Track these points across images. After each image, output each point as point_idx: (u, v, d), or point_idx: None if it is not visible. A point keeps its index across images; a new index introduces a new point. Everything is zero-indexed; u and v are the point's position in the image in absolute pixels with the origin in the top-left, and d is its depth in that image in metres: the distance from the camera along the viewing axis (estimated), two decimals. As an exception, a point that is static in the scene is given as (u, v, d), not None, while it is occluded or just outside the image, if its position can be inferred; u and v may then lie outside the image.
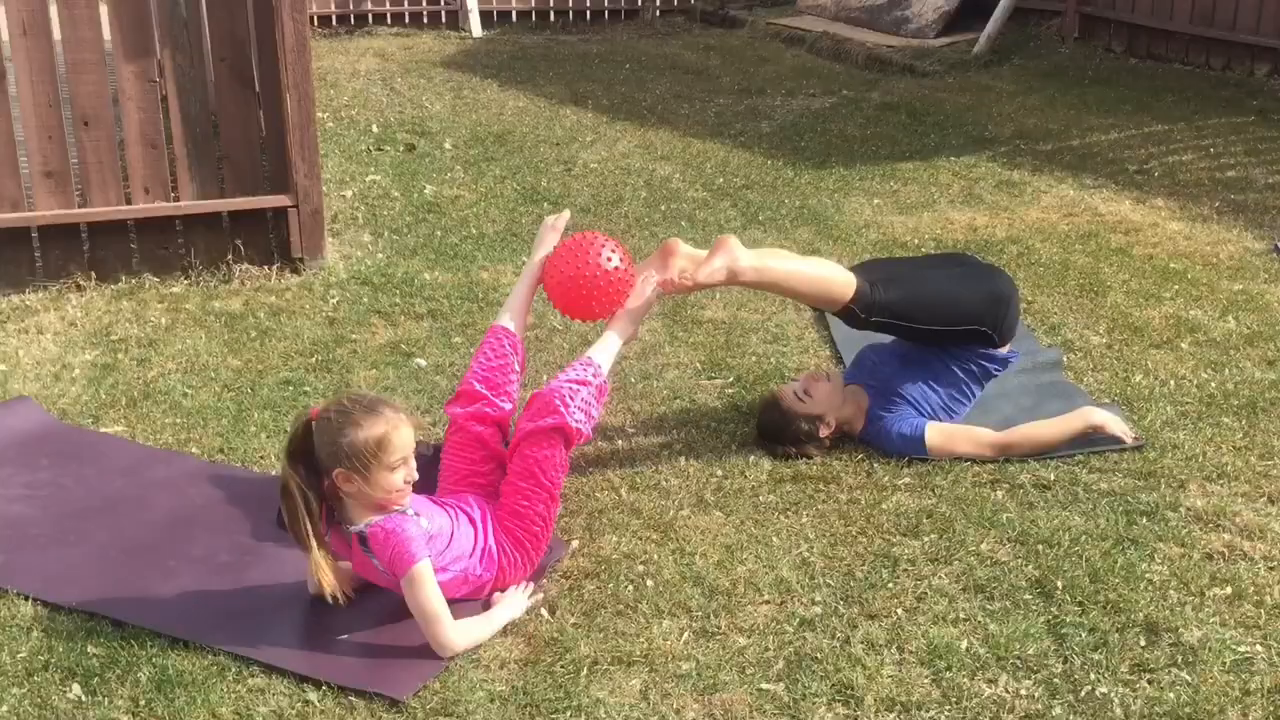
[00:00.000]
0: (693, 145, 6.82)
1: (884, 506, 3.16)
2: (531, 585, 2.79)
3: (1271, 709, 2.40)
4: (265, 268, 4.73)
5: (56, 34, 4.39)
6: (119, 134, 4.57)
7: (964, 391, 3.52)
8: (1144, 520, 3.07)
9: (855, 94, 7.97)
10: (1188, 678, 2.49)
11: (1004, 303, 3.42)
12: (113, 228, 4.59)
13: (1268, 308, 4.38)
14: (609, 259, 3.02)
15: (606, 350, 3.02)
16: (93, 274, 4.57)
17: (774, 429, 3.39)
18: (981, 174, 6.11)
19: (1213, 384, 3.80)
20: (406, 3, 10.05)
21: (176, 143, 4.60)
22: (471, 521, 2.76)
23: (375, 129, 6.97)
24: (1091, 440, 3.39)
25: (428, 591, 2.52)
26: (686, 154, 6.64)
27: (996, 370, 3.54)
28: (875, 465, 3.37)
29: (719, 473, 3.34)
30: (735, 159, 6.54)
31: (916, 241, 5.14)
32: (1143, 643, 2.62)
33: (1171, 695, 2.45)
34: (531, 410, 2.86)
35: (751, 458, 3.42)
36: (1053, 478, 3.27)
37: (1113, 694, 2.46)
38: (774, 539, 3.02)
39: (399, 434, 2.55)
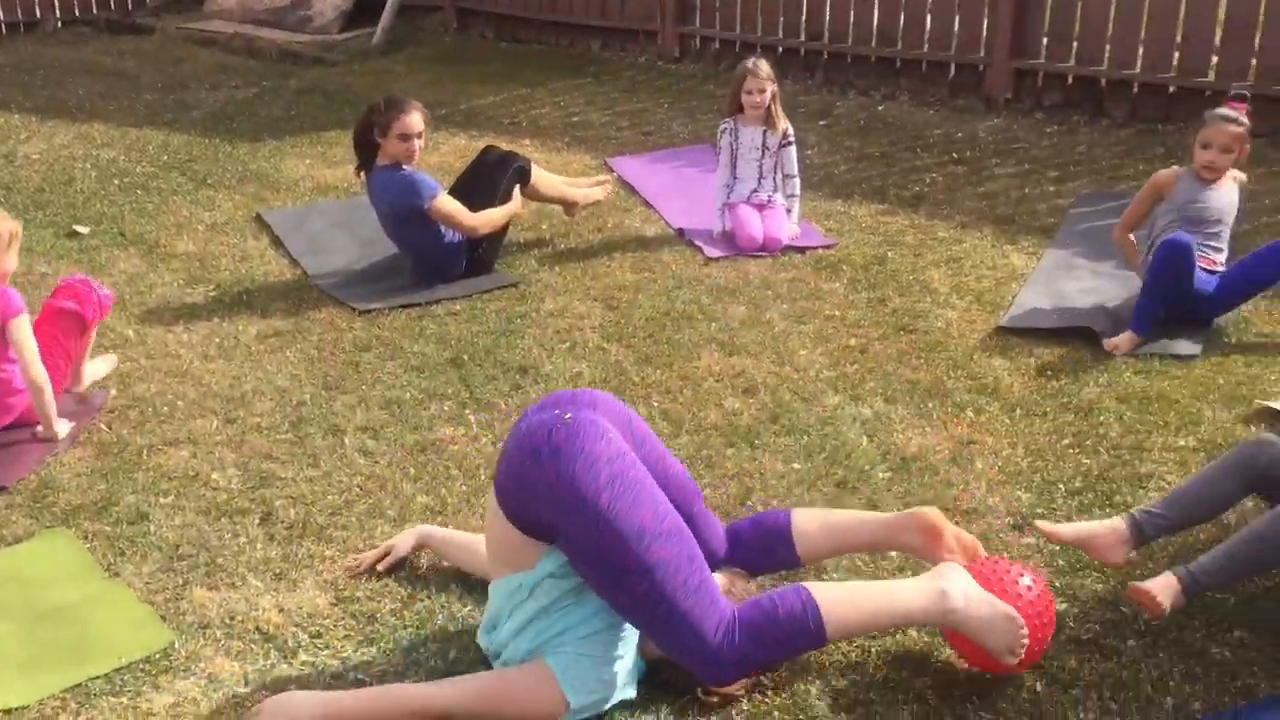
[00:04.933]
0: (130, 133, 7.56)
1: (344, 340, 4.43)
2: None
3: (573, 388, 4.00)
4: None
5: None
6: None
7: None
8: (518, 320, 4.61)
9: (274, 83, 9.06)
10: (550, 389, 4.01)
11: None
12: None
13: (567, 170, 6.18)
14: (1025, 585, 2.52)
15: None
16: None
17: None
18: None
19: (561, 244, 5.46)
20: None
21: None
22: None
23: None
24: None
25: None
26: (126, 140, 7.39)
27: None
28: (337, 319, 4.62)
29: (218, 336, 4.43)
30: (175, 140, 7.41)
31: (345, 185, 6.41)
32: (518, 377, 4.12)
33: (533, 396, 3.96)
34: None
35: (240, 323, 4.53)
36: (459, 307, 4.72)
37: (499, 400, 3.93)
38: (268, 366, 4.18)
39: None
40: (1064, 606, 2.78)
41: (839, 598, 2.46)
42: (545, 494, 2.38)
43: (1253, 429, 3.59)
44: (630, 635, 2.56)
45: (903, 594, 2.47)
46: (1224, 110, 4.36)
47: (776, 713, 2.50)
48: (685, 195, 6.10)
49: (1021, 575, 2.52)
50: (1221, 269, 4.34)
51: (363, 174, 5.02)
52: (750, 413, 3.83)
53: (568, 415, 2.46)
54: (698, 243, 5.42)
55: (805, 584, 2.49)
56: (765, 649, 2.43)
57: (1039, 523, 2.86)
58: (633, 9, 9.50)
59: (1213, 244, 4.37)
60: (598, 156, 6.94)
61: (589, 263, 5.21)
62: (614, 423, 2.53)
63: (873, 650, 2.67)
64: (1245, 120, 4.34)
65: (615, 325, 4.54)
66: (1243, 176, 4.52)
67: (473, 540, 2.99)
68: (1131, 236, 4.68)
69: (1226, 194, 4.42)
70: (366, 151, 4.92)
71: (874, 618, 2.47)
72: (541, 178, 5.32)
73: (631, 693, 2.54)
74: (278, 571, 3.06)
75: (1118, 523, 2.72)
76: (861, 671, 2.60)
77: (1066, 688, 2.53)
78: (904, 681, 2.56)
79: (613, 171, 6.53)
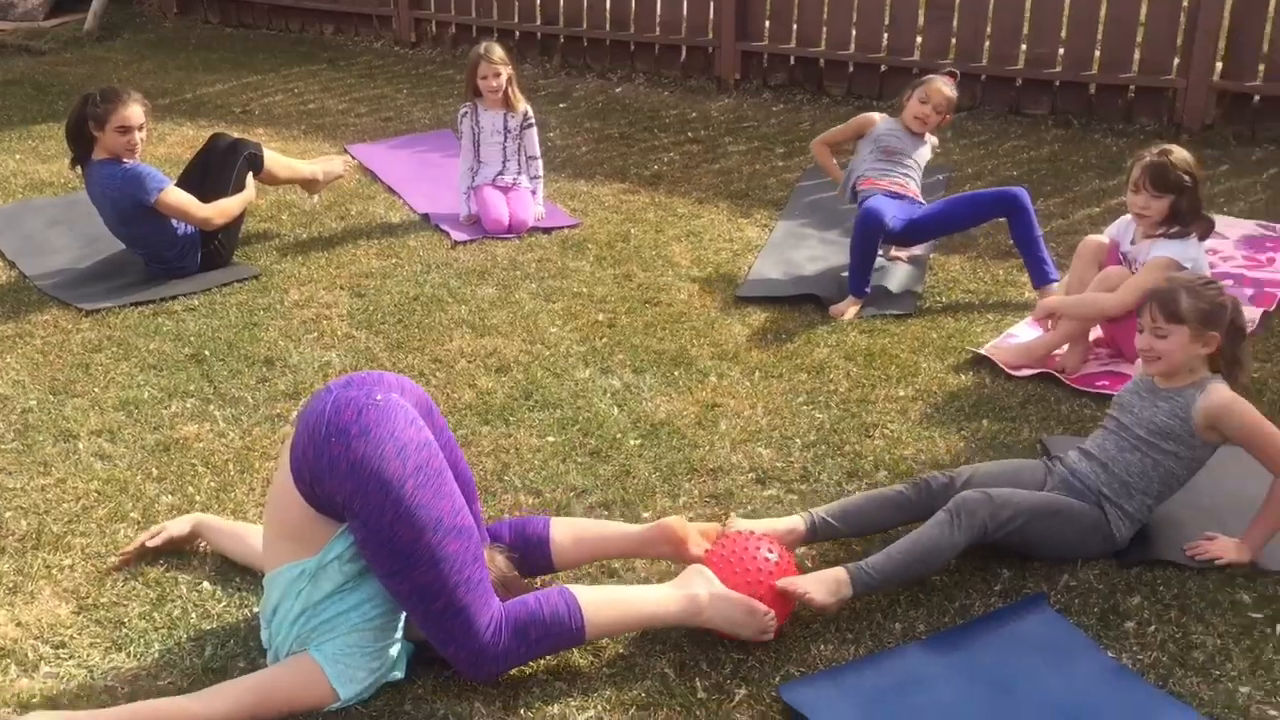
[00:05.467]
0: None
1: (71, 342, 4.20)
2: None
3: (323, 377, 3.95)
4: None
5: None
6: None
7: None
8: (262, 313, 4.49)
9: (-25, 74, 8.40)
10: (298, 379, 3.94)
11: None
12: None
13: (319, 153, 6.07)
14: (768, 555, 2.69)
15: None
16: None
17: None
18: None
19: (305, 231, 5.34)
20: None
21: None
22: None
23: None
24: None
25: None
26: None
27: None
28: (62, 320, 4.37)
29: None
30: None
31: (63, 180, 6.03)
32: (264, 370, 4.02)
33: (281, 388, 3.88)
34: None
35: (-49, 336, 4.23)
36: (197, 302, 4.55)
37: (245, 394, 3.83)
38: (-14, 374, 3.93)
39: None
40: (802, 549, 2.98)
41: (599, 601, 2.57)
42: (347, 472, 2.35)
43: (963, 376, 3.92)
44: (401, 620, 2.57)
45: (656, 599, 2.61)
46: (941, 76, 4.80)
47: (540, 668, 2.57)
48: (429, 180, 6.08)
49: (761, 548, 2.69)
50: (916, 197, 4.79)
51: (79, 168, 4.75)
52: (504, 391, 3.88)
53: (379, 396, 2.44)
54: (444, 227, 5.42)
55: (570, 586, 2.59)
56: (529, 646, 2.50)
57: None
58: (365, -7, 9.34)
59: (908, 174, 4.82)
60: (336, 144, 6.80)
61: (333, 251, 5.13)
62: (418, 410, 2.53)
63: (630, 607, 2.78)
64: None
65: (364, 312, 4.50)
66: (936, 141, 4.98)
67: (249, 530, 2.92)
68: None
69: (920, 147, 4.85)
70: (81, 145, 4.66)
71: (631, 620, 2.60)
72: (275, 161, 5.18)
73: (400, 674, 2.56)
74: (11, 585, 2.90)
75: (796, 521, 2.92)
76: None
77: (807, 623, 2.72)
78: (660, 633, 2.68)
79: (354, 159, 6.43)
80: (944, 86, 4.76)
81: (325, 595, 2.47)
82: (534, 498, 3.26)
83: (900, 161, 4.80)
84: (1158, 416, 2.89)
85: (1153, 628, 2.67)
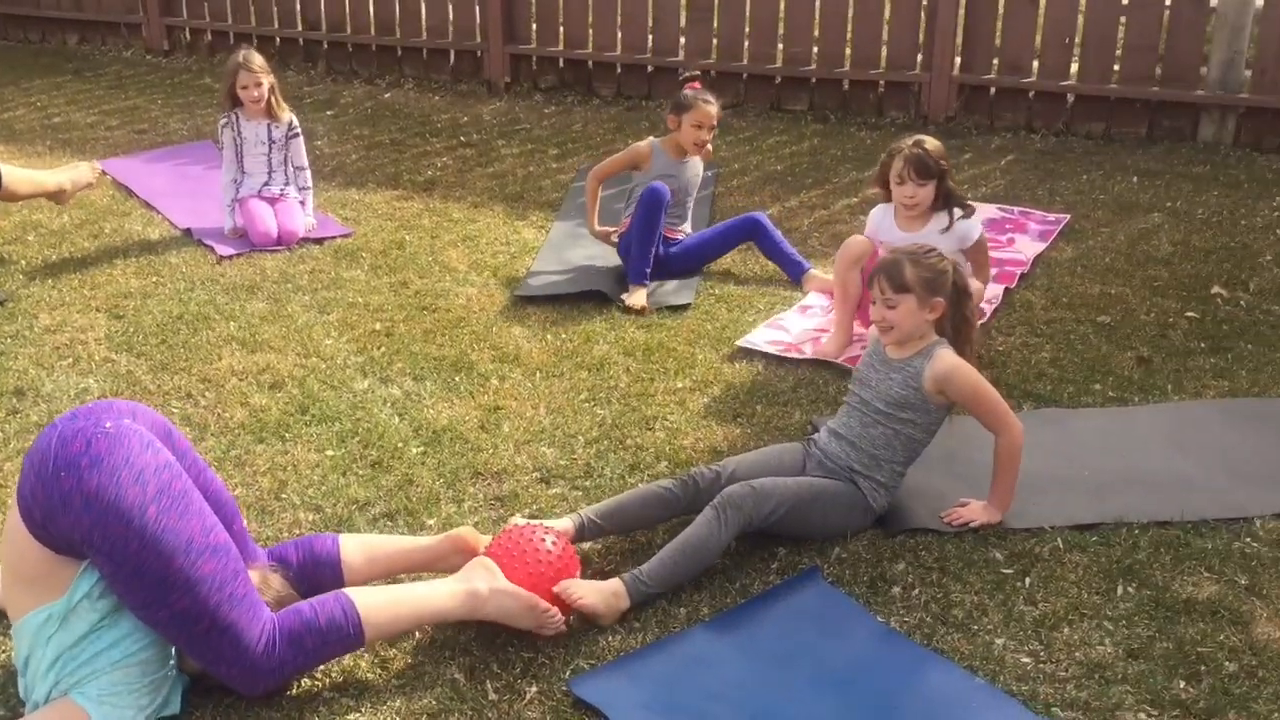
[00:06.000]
0: None
1: None
2: None
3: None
4: None
5: None
6: None
7: None
8: (9, 340, 4.21)
9: None
10: (53, 409, 3.72)
11: None
12: None
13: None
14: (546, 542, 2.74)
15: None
16: None
17: None
18: None
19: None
20: None
21: None
22: None
23: None
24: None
25: None
26: None
27: None
28: None
29: None
30: None
31: None
32: (15, 401, 3.78)
33: (35, 420, 3.66)
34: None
35: None
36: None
37: (-4, 429, 3.60)
38: None
39: None
40: (588, 545, 3.02)
41: (378, 603, 2.54)
42: (81, 507, 2.23)
43: (737, 365, 4.06)
44: (171, 651, 2.47)
45: (437, 596, 2.60)
46: (702, 93, 4.81)
47: (327, 683, 2.52)
48: (190, 194, 5.85)
49: (544, 538, 2.73)
50: (684, 236, 4.89)
51: None
52: (278, 407, 3.78)
53: (108, 424, 2.33)
54: (208, 242, 5.23)
55: (346, 590, 2.55)
56: (305, 655, 2.45)
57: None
58: (110, 1, 8.88)
59: (682, 214, 4.92)
60: (87, 159, 6.45)
61: (87, 272, 4.86)
62: (154, 433, 2.42)
63: (418, 616, 2.76)
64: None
65: (124, 335, 4.29)
66: (709, 149, 5.03)
67: None
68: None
69: (694, 167, 4.93)
70: None
71: (412, 618, 2.57)
72: (15, 176, 4.86)
73: (175, 709, 2.46)
74: None
75: (566, 523, 2.95)
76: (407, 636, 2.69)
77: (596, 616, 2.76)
78: (450, 639, 2.67)
79: (106, 175, 6.11)
80: (709, 106, 4.75)
81: (80, 637, 2.34)
82: (314, 514, 3.19)
83: (676, 205, 4.83)
84: (893, 389, 3.07)
85: (916, 590, 2.84)
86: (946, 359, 3.03)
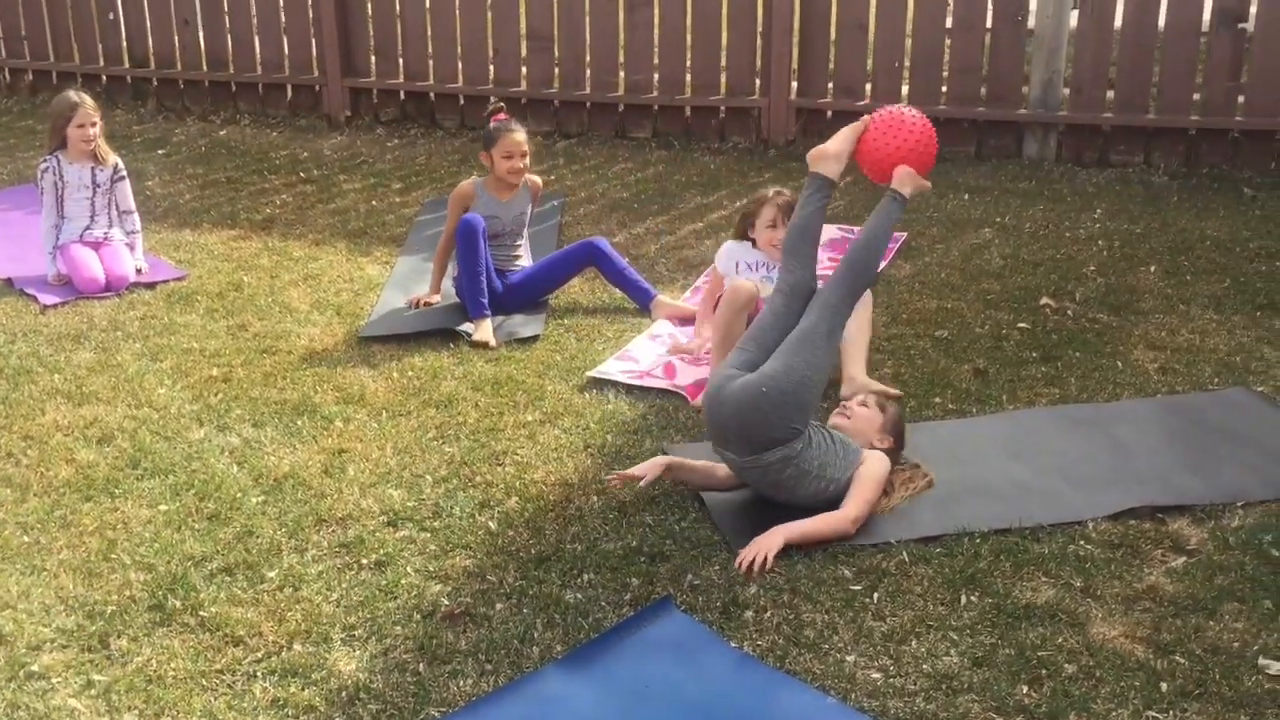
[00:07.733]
0: None
1: None
2: None
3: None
4: None
5: None
6: None
7: None
8: None
9: None
10: None
11: None
12: None
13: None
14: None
15: None
16: None
17: None
18: None
19: None
20: None
21: None
22: None
23: None
24: None
25: None
26: None
27: None
28: None
29: None
30: None
31: None
32: None
33: None
34: None
35: None
36: None
37: None
38: None
39: None
40: (438, 586, 2.95)
41: None
42: None
43: (587, 395, 4.03)
44: None
45: None
46: (506, 124, 4.76)
47: None
48: (9, 240, 5.58)
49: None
50: (523, 265, 4.87)
51: None
52: (107, 462, 3.60)
53: None
54: (30, 291, 4.98)
55: None
56: None
57: None
58: (-80, 38, 8.43)
59: (512, 252, 4.87)
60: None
61: (-105, 328, 4.58)
62: None
63: (257, 671, 2.65)
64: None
65: (-65, 393, 4.04)
66: (536, 180, 4.98)
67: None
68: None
69: (519, 203, 4.84)
70: None
71: None
72: None
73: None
74: None
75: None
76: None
77: (444, 662, 2.69)
78: (315, 662, 2.57)
79: (-85, 222, 5.78)
80: (515, 134, 4.72)
81: None
82: (146, 573, 3.03)
83: (503, 242, 4.80)
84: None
85: (769, 613, 2.85)
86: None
